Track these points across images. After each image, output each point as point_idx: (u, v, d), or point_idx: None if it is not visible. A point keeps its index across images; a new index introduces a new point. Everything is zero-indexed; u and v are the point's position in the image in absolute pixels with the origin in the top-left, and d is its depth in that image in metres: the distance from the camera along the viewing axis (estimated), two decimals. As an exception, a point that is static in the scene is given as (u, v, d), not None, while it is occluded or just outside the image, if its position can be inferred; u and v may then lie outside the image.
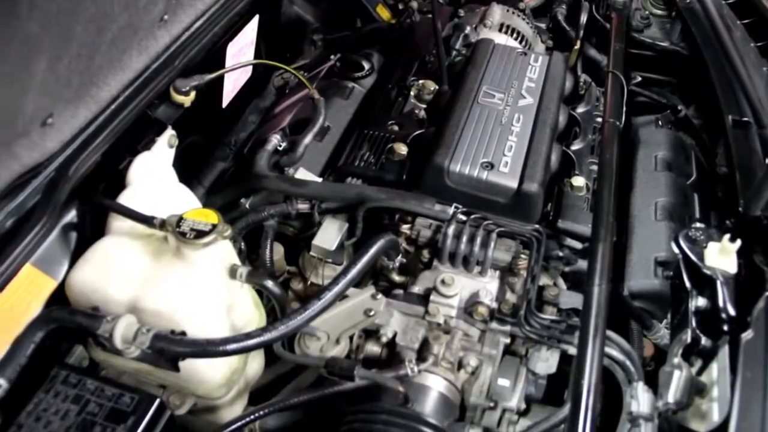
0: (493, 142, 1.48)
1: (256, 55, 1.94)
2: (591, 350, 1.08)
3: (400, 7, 2.06)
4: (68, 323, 1.15)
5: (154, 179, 1.38)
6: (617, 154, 1.42)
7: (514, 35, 1.86)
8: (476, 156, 1.44)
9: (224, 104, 1.84)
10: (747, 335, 1.08)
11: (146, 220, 1.22)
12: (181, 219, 1.19)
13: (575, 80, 1.77)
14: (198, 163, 1.83)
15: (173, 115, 1.50)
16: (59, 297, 1.23)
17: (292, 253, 1.57)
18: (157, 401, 1.13)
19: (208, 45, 1.57)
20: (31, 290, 1.21)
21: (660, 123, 1.80)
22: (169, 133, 1.44)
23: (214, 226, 1.19)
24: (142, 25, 1.32)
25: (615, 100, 1.54)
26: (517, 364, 1.27)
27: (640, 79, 1.86)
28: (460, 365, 1.25)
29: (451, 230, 1.33)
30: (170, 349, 1.11)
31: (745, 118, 1.43)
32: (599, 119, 1.71)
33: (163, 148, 1.43)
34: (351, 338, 1.28)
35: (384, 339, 1.25)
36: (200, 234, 1.18)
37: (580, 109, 1.71)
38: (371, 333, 1.29)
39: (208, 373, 1.22)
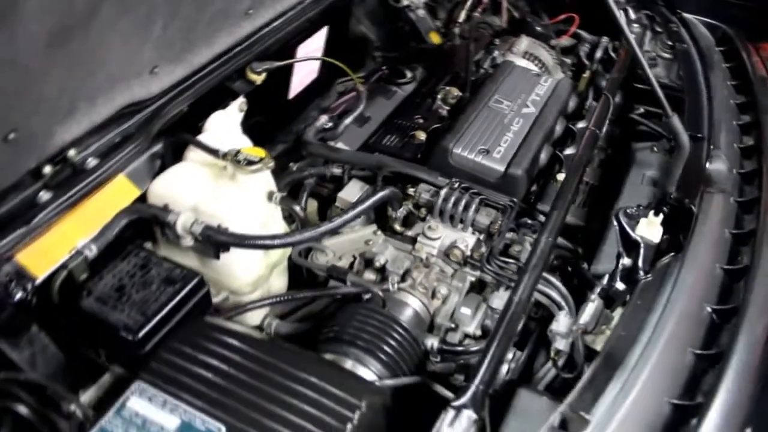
0: (492, 136, 1.83)
1: (325, 63, 2.37)
2: (525, 282, 1.40)
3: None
4: (145, 214, 1.56)
5: (223, 130, 1.80)
6: (589, 152, 1.75)
7: (536, 62, 2.23)
8: (476, 143, 1.80)
9: (290, 96, 2.27)
10: (647, 278, 1.39)
11: (213, 152, 1.64)
12: (238, 152, 1.60)
13: (580, 102, 2.10)
14: (262, 141, 2.25)
15: (246, 89, 1.93)
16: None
17: (324, 211, 1.95)
18: (199, 277, 1.51)
19: (281, 40, 2.01)
20: (120, 194, 1.63)
21: (655, 149, 2.08)
22: (241, 99, 1.86)
23: (261, 159, 1.59)
24: (232, 14, 1.76)
25: (601, 114, 1.87)
26: (479, 299, 1.59)
27: (642, 110, 2.16)
28: (434, 294, 1.58)
29: (443, 192, 1.68)
30: (215, 237, 1.50)
31: (700, 134, 1.73)
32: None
33: (234, 110, 1.84)
34: (353, 261, 1.64)
35: (377, 264, 1.60)
36: (250, 162, 1.58)
37: (580, 125, 2.03)
38: (369, 261, 1.64)
39: (239, 271, 1.60)
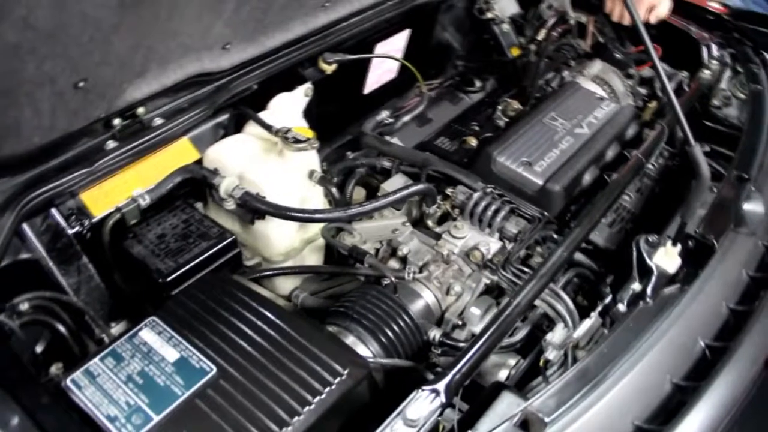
0: (538, 150, 1.87)
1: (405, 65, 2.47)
2: (527, 288, 1.44)
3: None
4: (197, 174, 1.71)
5: (285, 111, 1.93)
6: (629, 177, 1.75)
7: (605, 87, 2.23)
8: (521, 155, 1.84)
9: (365, 91, 2.38)
10: (647, 304, 1.39)
11: (267, 127, 1.77)
12: (288, 130, 1.73)
13: (640, 130, 2.09)
14: (332, 130, 2.36)
15: (316, 76, 2.05)
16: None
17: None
18: (232, 237, 1.65)
19: (357, 35, 2.12)
20: (181, 154, 1.80)
21: (714, 189, 2.04)
22: (308, 85, 1.98)
23: (308, 139, 1.71)
24: (307, 4, 1.89)
25: (652, 143, 1.86)
26: (491, 302, 1.63)
27: (709, 149, 2.12)
28: (448, 290, 1.64)
29: (475, 195, 1.73)
30: (251, 203, 1.62)
31: (746, 175, 1.69)
32: (650, 165, 2.02)
33: (300, 94, 1.97)
34: (378, 248, 1.73)
35: (400, 253, 1.68)
36: (297, 141, 1.70)
37: (634, 152, 2.02)
38: (394, 250, 1.71)
39: (273, 239, 1.72)
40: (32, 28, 1.19)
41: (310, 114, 2.11)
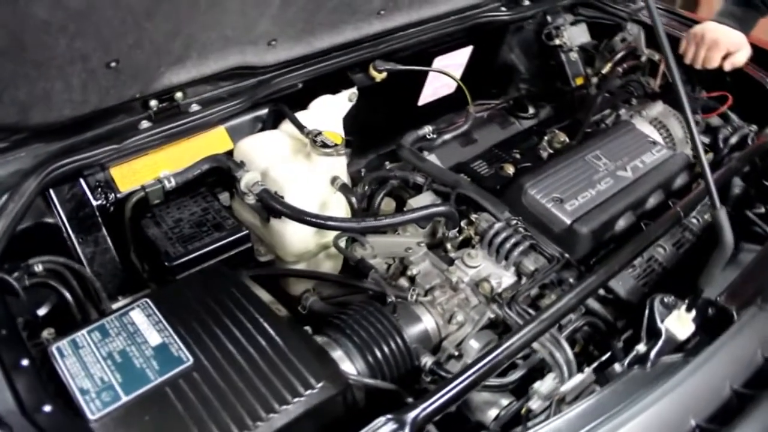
0: (574, 188, 1.79)
1: (465, 81, 2.43)
2: (523, 331, 1.38)
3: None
4: (223, 164, 1.73)
5: (326, 113, 1.93)
6: (663, 230, 1.65)
7: (662, 131, 2.12)
8: (554, 190, 1.77)
9: (420, 103, 2.36)
10: (642, 369, 1.31)
11: (300, 127, 1.77)
12: (319, 133, 1.73)
13: (691, 181, 1.98)
14: (380, 138, 2.34)
15: (365, 82, 2.04)
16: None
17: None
18: (245, 232, 1.66)
19: (413, 46, 2.10)
20: (216, 142, 1.83)
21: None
22: (353, 90, 1.98)
23: (336, 145, 1.70)
24: (360, 10, 1.88)
25: (695, 198, 1.76)
26: (492, 337, 1.58)
27: (764, 210, 1.99)
28: (451, 319, 1.60)
29: (497, 225, 1.68)
30: (269, 202, 1.63)
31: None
32: (693, 220, 1.91)
33: (343, 98, 1.97)
34: (390, 264, 1.70)
35: (409, 273, 1.65)
36: (324, 145, 1.70)
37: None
38: (405, 269, 1.68)
39: (288, 239, 1.72)
40: (63, 8, 1.23)
41: (356, 119, 2.12)
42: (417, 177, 1.94)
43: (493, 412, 1.52)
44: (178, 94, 1.71)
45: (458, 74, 2.39)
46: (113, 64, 1.43)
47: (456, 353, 1.56)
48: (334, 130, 1.89)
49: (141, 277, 1.70)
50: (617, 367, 1.37)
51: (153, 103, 1.68)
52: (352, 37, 1.95)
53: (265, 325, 1.37)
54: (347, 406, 1.39)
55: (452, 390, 1.26)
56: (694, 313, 1.39)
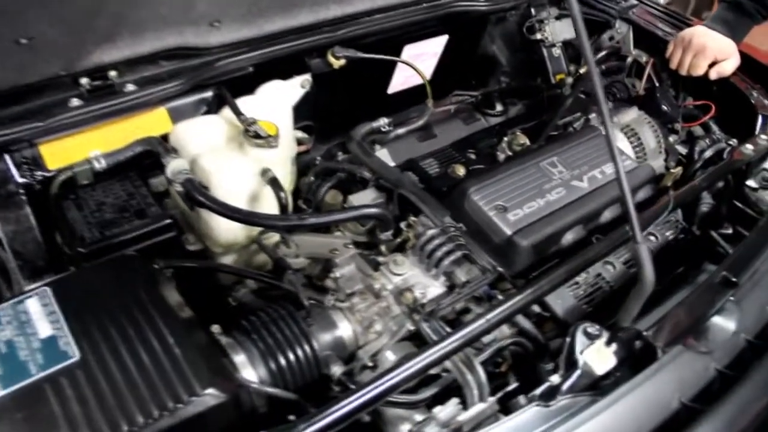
0: (521, 196, 1.69)
1: (442, 72, 2.32)
2: (429, 351, 1.31)
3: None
4: (155, 148, 1.67)
5: (275, 99, 1.85)
6: (612, 244, 1.56)
7: (633, 140, 2.00)
8: (498, 198, 1.68)
9: (390, 91, 2.27)
10: (546, 405, 1.23)
11: (238, 113, 1.70)
12: (254, 122, 1.65)
13: (654, 195, 1.86)
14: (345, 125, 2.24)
15: (323, 69, 1.96)
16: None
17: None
18: (168, 220, 1.60)
19: (377, 33, 2.00)
20: (155, 123, 1.77)
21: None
22: (306, 77, 1.90)
23: (268, 136, 1.63)
24: (315, -8, 1.79)
25: (652, 215, 1.65)
26: (411, 348, 1.51)
27: (731, 231, 1.87)
28: (370, 327, 1.53)
29: (430, 232, 1.60)
30: (191, 191, 1.56)
31: (734, 279, 1.46)
32: (651, 237, 1.80)
33: (295, 84, 1.89)
34: (313, 263, 1.63)
35: (331, 276, 1.58)
36: (257, 136, 1.63)
37: (640, 219, 1.81)
38: (329, 271, 1.61)
39: (215, 230, 1.66)
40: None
41: (319, 106, 2.04)
42: (365, 172, 1.86)
43: (405, 427, 1.46)
44: (112, 73, 1.65)
45: (433, 63, 2.29)
46: (24, 41, 1.37)
47: (371, 364, 1.50)
48: (283, 118, 1.82)
49: (66, 260, 1.66)
50: (521, 399, 1.30)
51: (84, 81, 1.62)
52: (308, 20, 1.86)
53: (161, 324, 1.32)
54: (241, 413, 1.34)
55: (340, 410, 1.21)
56: (614, 347, 1.30)
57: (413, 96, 2.30)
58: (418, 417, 1.47)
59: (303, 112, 2.01)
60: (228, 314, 1.61)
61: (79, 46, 1.52)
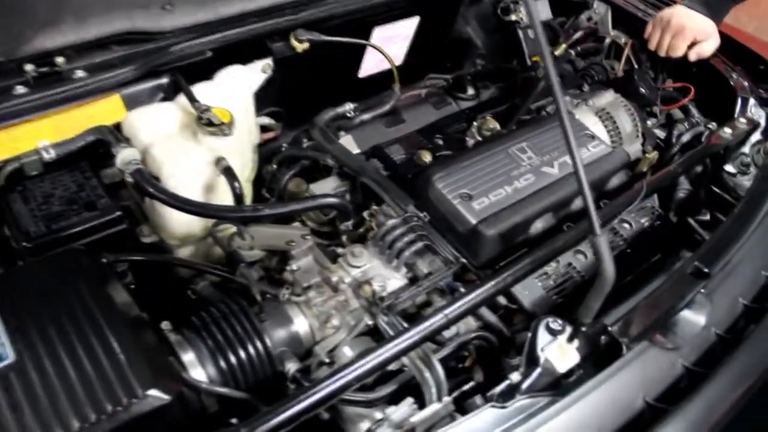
0: (488, 183, 1.63)
1: (415, 55, 2.24)
2: (386, 347, 1.25)
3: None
4: (106, 137, 1.60)
5: (235, 85, 1.78)
6: (581, 233, 1.50)
7: (607, 123, 1.93)
8: (464, 185, 1.61)
9: (361, 75, 2.19)
10: (503, 406, 1.17)
11: (193, 100, 1.63)
12: (207, 109, 1.58)
13: (629, 181, 1.80)
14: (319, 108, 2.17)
15: (285, 52, 1.88)
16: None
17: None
18: (118, 213, 1.53)
19: (341, 15, 1.93)
20: (109, 111, 1.69)
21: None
22: (267, 61, 1.82)
23: (221, 124, 1.56)
24: (276, -27, 1.72)
25: (625, 201, 1.59)
26: (370, 344, 1.45)
27: (709, 218, 1.81)
28: (327, 322, 1.47)
29: (390, 222, 1.54)
30: (141, 182, 1.50)
31: (707, 270, 1.40)
32: (625, 225, 1.74)
33: (256, 69, 1.82)
34: (268, 256, 1.57)
35: (288, 269, 1.52)
36: (210, 123, 1.56)
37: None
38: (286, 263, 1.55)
39: (169, 222, 1.59)
40: None
41: (286, 91, 1.97)
42: (328, 159, 1.79)
43: (364, 426, 1.41)
44: (60, 59, 1.57)
45: (405, 46, 2.21)
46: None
47: (328, 360, 1.44)
48: (243, 104, 1.76)
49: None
50: (478, 400, 1.24)
51: (29, 67, 1.55)
52: (267, 3, 1.79)
53: (103, 323, 1.25)
54: (189, 414, 1.29)
55: (283, 411, 1.15)
56: (576, 344, 1.24)
57: (387, 80, 2.22)
58: (379, 415, 1.41)
59: (269, 98, 1.95)
60: (187, 308, 1.55)
61: (19, 32, 1.45)
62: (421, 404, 1.31)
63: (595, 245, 1.13)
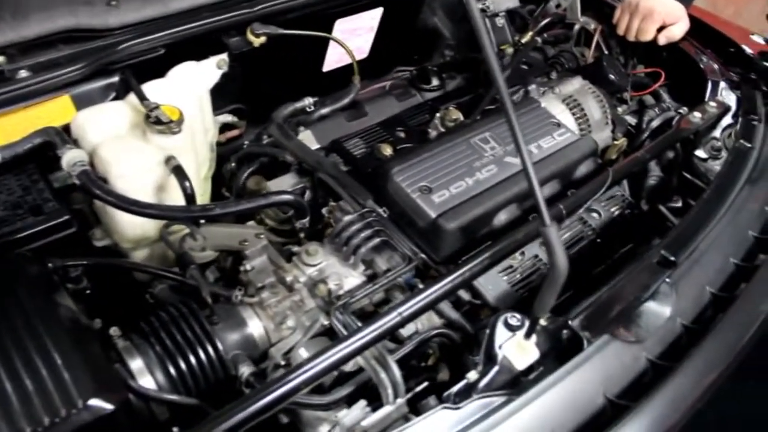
0: (449, 176, 1.58)
1: (381, 47, 2.19)
2: (340, 346, 1.20)
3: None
4: (53, 139, 1.55)
5: (189, 82, 1.72)
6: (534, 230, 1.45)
7: (575, 111, 1.88)
8: (423, 178, 1.56)
9: (325, 69, 2.14)
10: (457, 406, 1.13)
11: (142, 98, 1.58)
12: (156, 107, 1.53)
13: (596, 169, 1.75)
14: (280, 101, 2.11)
15: (242, 47, 1.82)
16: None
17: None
18: (66, 217, 1.48)
19: (299, 8, 1.87)
20: (58, 112, 1.64)
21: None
22: (223, 57, 1.77)
23: (170, 122, 1.51)
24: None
25: (591, 190, 1.55)
26: (326, 344, 1.40)
27: (681, 205, 1.76)
28: (282, 323, 1.42)
29: (347, 218, 1.49)
30: (86, 184, 1.45)
31: (673, 258, 1.36)
32: (593, 214, 1.69)
33: (211, 65, 1.76)
34: (223, 257, 1.52)
35: (242, 269, 1.47)
36: (158, 122, 1.51)
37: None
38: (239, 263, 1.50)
39: (121, 224, 1.54)
40: None
41: (247, 87, 1.92)
42: (287, 156, 1.74)
43: (324, 428, 1.36)
44: (0, 59, 1.52)
45: (370, 39, 2.16)
46: None
47: (283, 362, 1.39)
48: (197, 101, 1.70)
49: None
50: (431, 401, 1.20)
51: (-36, 67, 1.50)
52: (219, -4, 1.74)
53: (42, 332, 1.20)
54: (137, 422, 1.25)
55: (237, 413, 1.11)
56: (533, 340, 1.19)
57: (352, 73, 2.18)
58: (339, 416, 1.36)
59: (229, 95, 1.90)
60: (145, 312, 1.51)
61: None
62: (380, 405, 1.27)
63: (545, 236, 1.08)
